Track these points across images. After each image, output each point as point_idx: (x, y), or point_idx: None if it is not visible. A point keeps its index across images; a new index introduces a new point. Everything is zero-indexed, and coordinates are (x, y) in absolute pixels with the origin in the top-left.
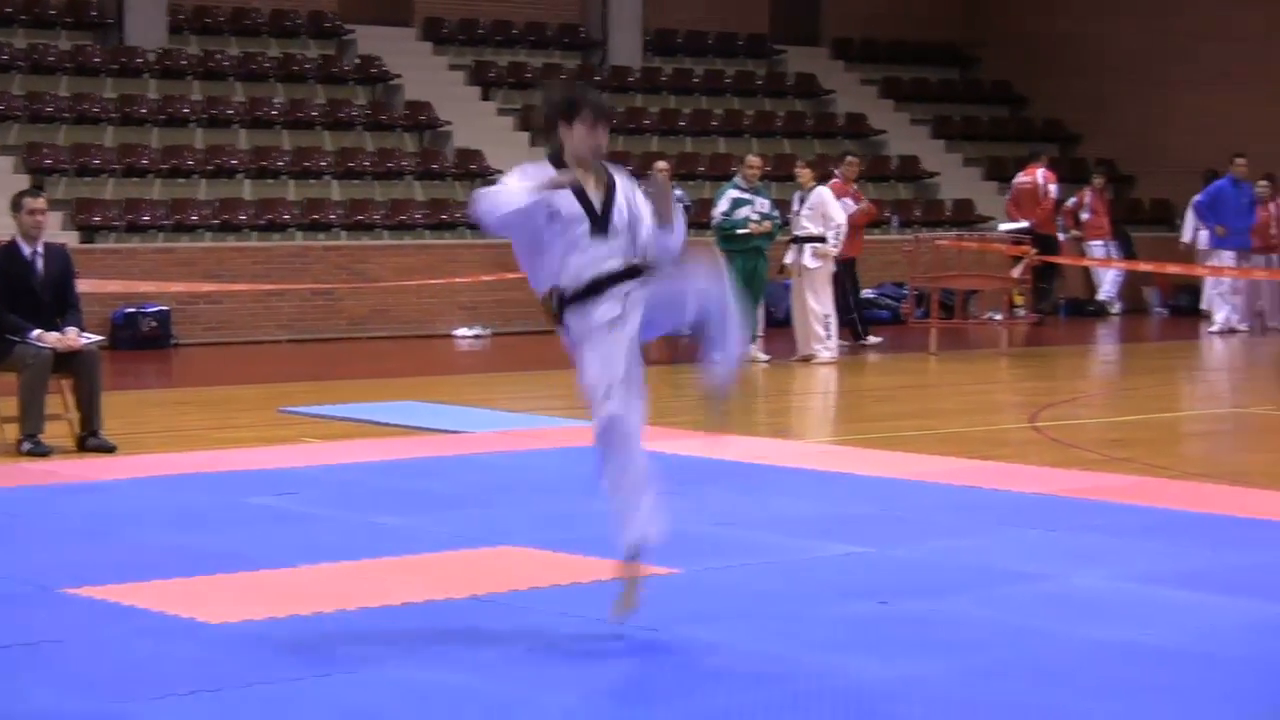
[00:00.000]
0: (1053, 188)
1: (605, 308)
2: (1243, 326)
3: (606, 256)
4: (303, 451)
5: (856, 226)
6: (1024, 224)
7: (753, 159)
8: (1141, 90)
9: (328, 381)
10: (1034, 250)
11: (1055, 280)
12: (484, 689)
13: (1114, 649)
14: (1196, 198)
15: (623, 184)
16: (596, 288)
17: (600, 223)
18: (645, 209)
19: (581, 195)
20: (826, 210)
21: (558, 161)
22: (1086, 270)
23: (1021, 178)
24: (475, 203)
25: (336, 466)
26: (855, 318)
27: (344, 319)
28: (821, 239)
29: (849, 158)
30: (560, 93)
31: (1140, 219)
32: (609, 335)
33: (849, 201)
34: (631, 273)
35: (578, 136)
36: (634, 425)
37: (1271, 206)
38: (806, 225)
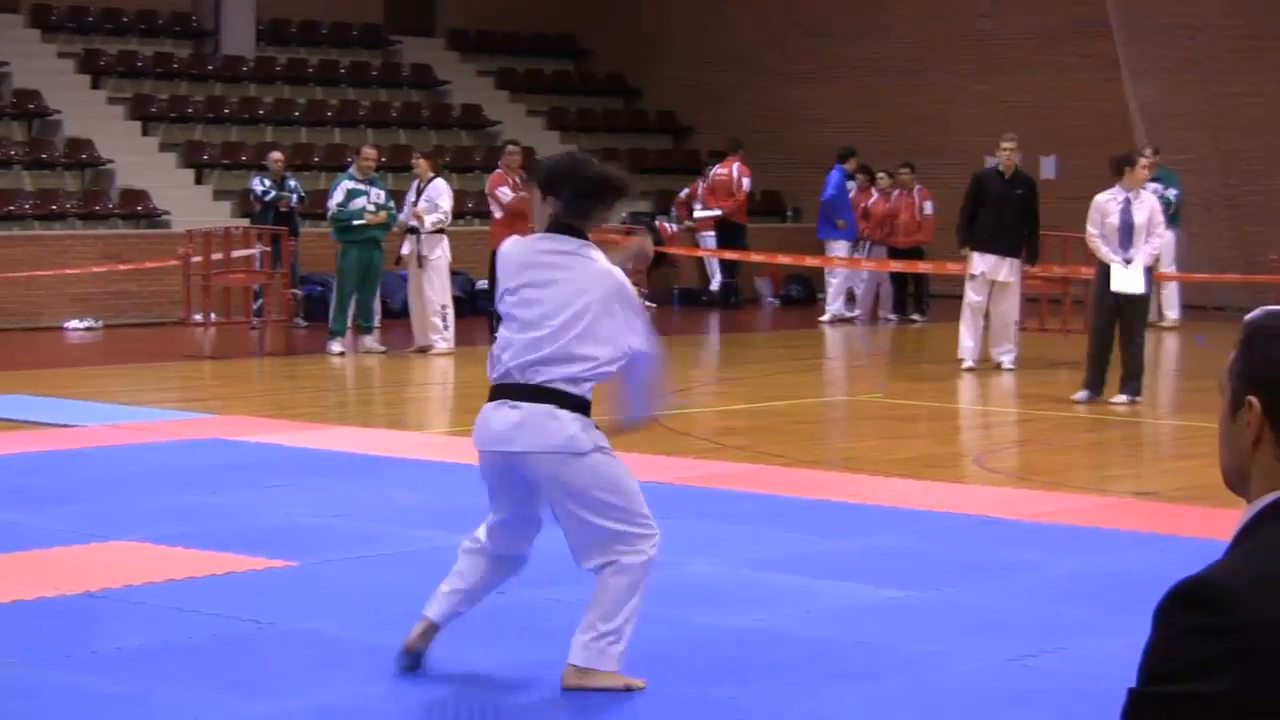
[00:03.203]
0: (745, 180)
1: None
2: (850, 314)
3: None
4: None
5: (520, 214)
6: (717, 211)
7: (368, 150)
8: (751, 83)
9: None
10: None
11: (736, 270)
12: (98, 686)
13: (728, 633)
14: (826, 192)
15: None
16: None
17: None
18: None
19: None
20: (438, 200)
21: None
22: (700, 261)
23: (718, 169)
24: None
25: None
26: None
27: None
28: (441, 230)
29: (510, 147)
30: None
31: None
32: None
33: (506, 190)
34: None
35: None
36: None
37: (893, 197)
38: (439, 217)
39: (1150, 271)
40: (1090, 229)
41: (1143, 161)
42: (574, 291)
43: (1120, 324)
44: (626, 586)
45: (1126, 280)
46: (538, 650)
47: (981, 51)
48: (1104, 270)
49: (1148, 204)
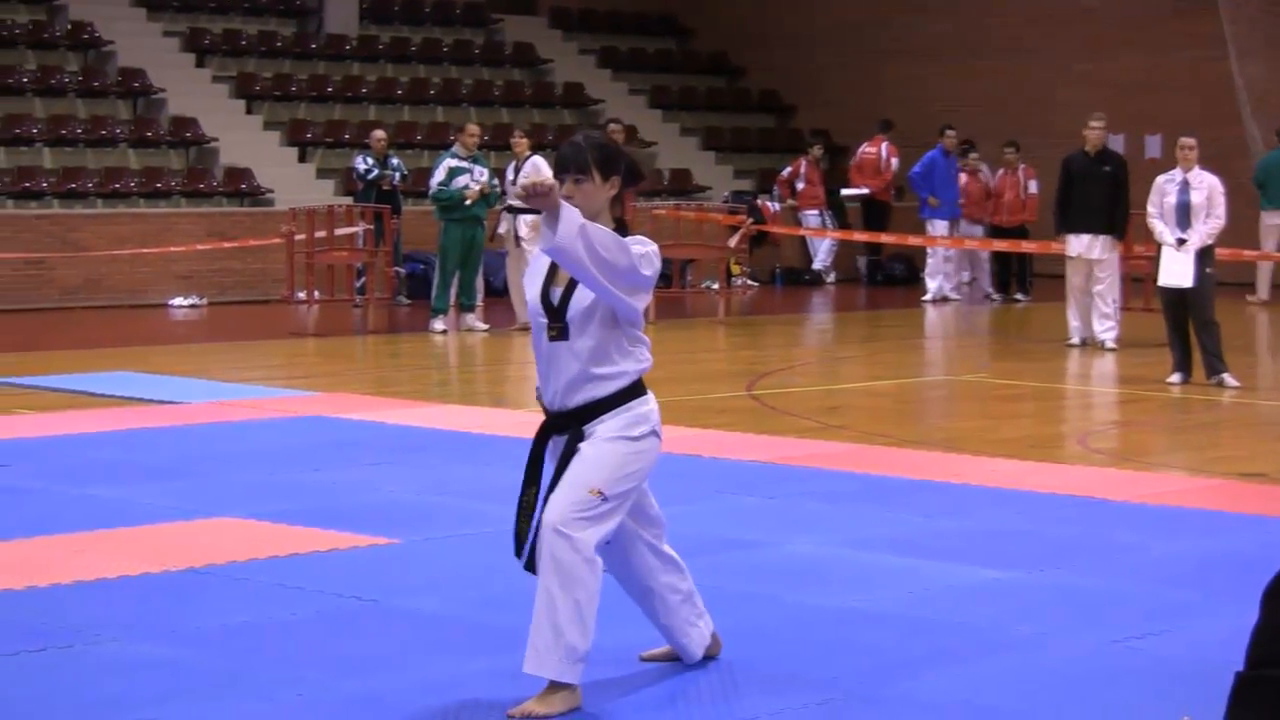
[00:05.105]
0: (894, 160)
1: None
2: (955, 295)
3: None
4: (16, 423)
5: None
6: (864, 190)
7: (472, 127)
8: (853, 62)
9: (41, 352)
10: (750, 221)
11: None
12: (201, 662)
13: (829, 613)
14: (913, 169)
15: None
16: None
17: (557, 316)
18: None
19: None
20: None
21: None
22: (802, 240)
23: (866, 148)
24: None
25: (50, 438)
26: None
27: (57, 289)
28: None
29: (612, 126)
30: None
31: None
32: None
33: None
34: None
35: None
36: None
37: (996, 176)
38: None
39: (1208, 253)
40: (1150, 209)
41: (1182, 141)
42: None
43: (1188, 308)
44: None
45: (1172, 273)
46: (639, 629)
47: (1085, 30)
48: (1160, 252)
49: (1207, 184)
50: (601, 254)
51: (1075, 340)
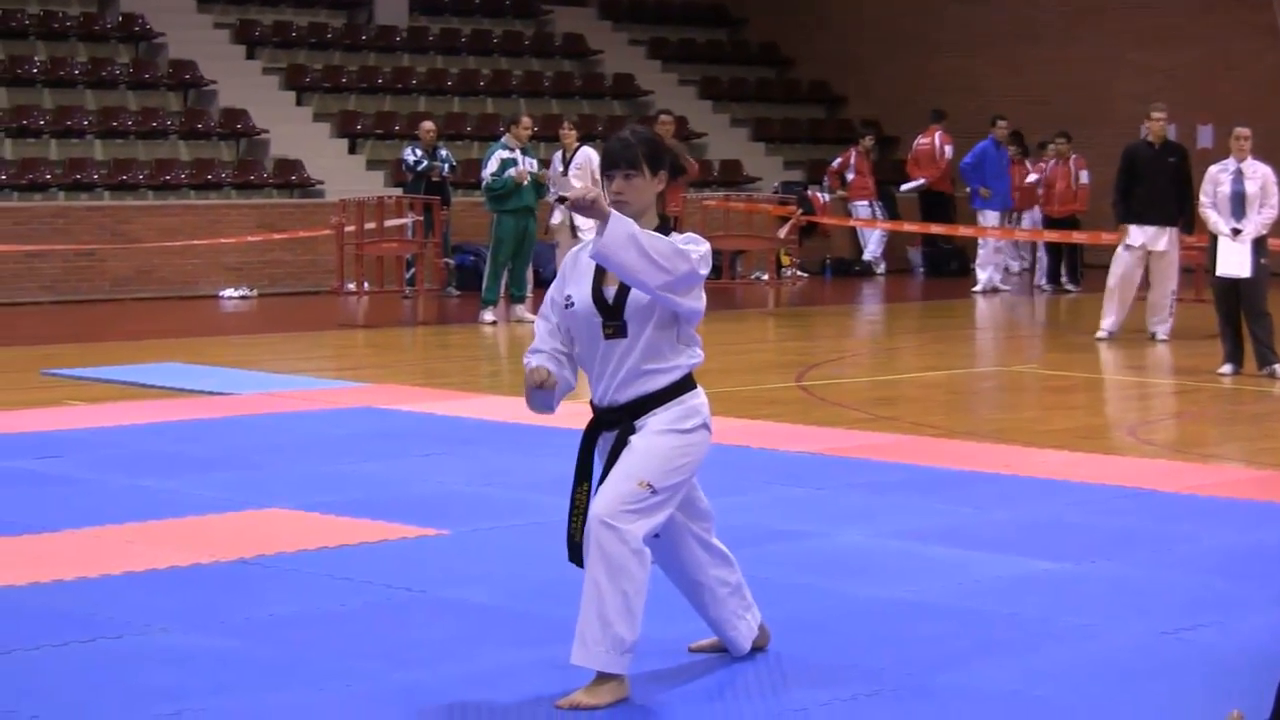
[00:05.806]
0: (948, 149)
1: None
2: (1005, 286)
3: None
4: (66, 414)
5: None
6: (921, 181)
7: (525, 119)
8: (903, 53)
9: (91, 343)
10: (800, 212)
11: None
12: (251, 652)
13: (878, 604)
14: (964, 160)
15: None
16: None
17: (614, 315)
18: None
19: (598, 277)
20: (594, 170)
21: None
22: (852, 230)
23: (921, 139)
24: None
25: (100, 429)
26: None
27: (107, 280)
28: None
29: (663, 117)
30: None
31: (904, 179)
32: None
33: None
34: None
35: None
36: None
37: (1044, 165)
38: (575, 185)
39: (1262, 244)
40: (1203, 198)
41: (1236, 131)
42: None
43: (1240, 299)
44: None
45: (1230, 263)
46: (688, 621)
47: (1136, 19)
48: (1216, 243)
49: (1260, 174)
50: (659, 261)
51: (1103, 334)
